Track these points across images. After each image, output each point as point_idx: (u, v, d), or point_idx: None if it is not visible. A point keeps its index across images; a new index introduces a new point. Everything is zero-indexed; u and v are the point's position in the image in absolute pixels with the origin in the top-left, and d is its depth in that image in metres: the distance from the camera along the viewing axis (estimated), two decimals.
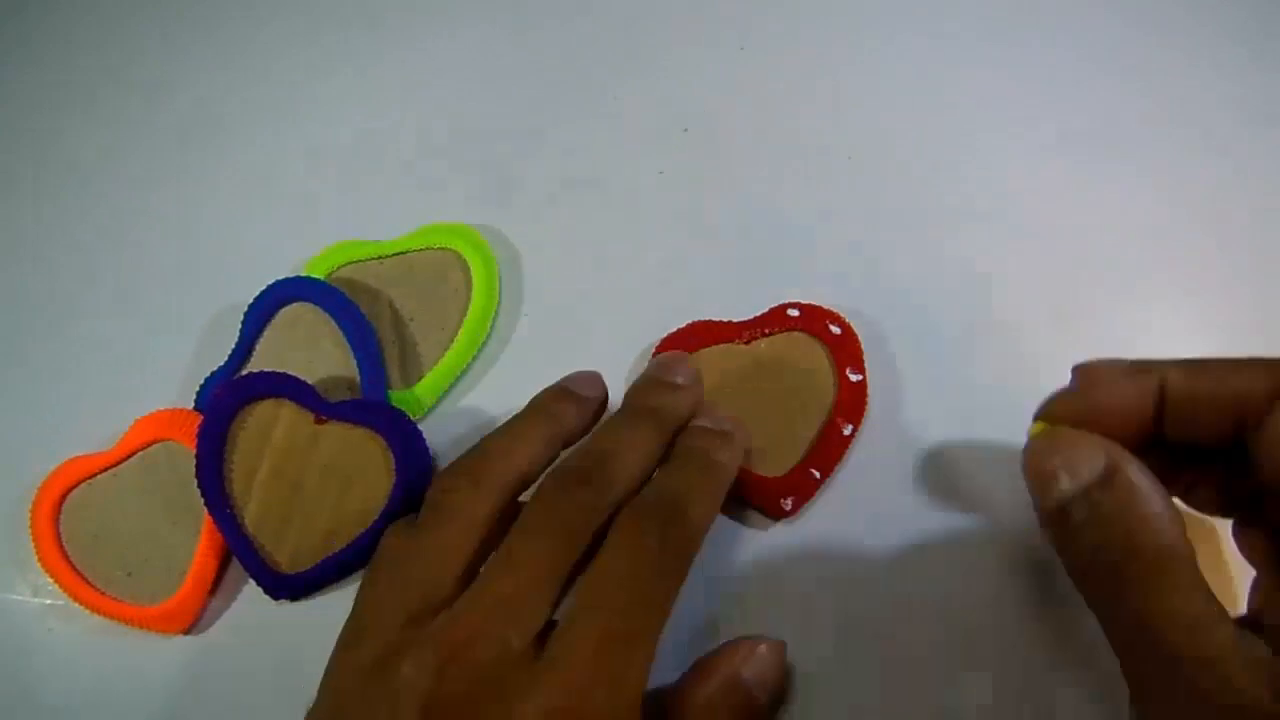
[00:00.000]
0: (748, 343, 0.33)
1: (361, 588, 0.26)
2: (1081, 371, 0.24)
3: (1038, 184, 0.35)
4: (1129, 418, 0.23)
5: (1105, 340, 0.32)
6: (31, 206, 0.39)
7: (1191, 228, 0.34)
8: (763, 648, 0.26)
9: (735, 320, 0.33)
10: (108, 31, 0.42)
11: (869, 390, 0.32)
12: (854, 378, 0.31)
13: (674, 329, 0.33)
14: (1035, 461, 0.23)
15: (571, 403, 0.28)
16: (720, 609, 0.29)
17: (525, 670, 0.22)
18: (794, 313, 0.33)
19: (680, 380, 0.29)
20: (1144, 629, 0.20)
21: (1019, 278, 0.34)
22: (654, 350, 0.33)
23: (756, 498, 0.30)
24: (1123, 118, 0.36)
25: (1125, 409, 0.23)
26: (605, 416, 0.30)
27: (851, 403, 0.31)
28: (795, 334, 0.33)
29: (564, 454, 0.28)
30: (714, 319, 0.33)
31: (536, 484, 0.26)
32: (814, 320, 0.32)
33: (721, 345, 0.33)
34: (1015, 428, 0.26)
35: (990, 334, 0.33)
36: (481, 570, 0.25)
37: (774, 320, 0.33)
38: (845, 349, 0.32)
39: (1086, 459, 0.22)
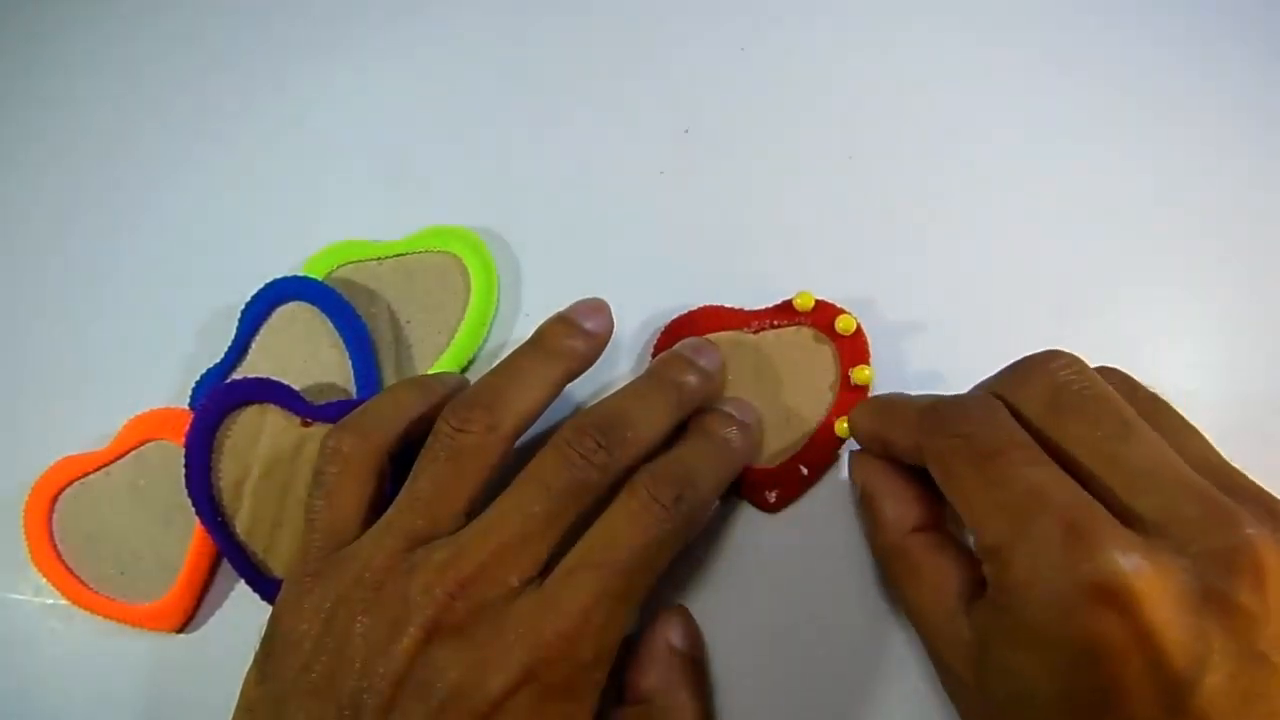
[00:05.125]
0: (755, 332, 0.33)
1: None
2: (879, 401, 0.29)
3: (1039, 183, 0.35)
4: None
5: (1106, 339, 0.32)
6: (26, 204, 0.39)
7: (1194, 225, 0.34)
8: (676, 615, 0.29)
9: (745, 309, 0.33)
10: (106, 31, 0.42)
11: (872, 393, 0.31)
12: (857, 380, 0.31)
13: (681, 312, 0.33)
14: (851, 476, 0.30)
15: (578, 338, 0.29)
16: (696, 592, 0.30)
17: (522, 612, 0.24)
18: (807, 307, 0.32)
19: (705, 364, 0.30)
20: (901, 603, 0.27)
21: (1020, 277, 0.34)
22: (663, 330, 0.33)
23: (744, 488, 0.31)
24: (1128, 114, 0.36)
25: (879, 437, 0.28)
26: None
27: (850, 405, 0.31)
28: (804, 329, 0.32)
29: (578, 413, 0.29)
30: (724, 305, 0.33)
31: (555, 434, 0.27)
32: (824, 317, 0.32)
33: (729, 332, 0.33)
34: None
35: (990, 333, 0.32)
36: (491, 507, 0.26)
37: (784, 313, 0.33)
38: (853, 350, 0.32)
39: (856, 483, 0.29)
